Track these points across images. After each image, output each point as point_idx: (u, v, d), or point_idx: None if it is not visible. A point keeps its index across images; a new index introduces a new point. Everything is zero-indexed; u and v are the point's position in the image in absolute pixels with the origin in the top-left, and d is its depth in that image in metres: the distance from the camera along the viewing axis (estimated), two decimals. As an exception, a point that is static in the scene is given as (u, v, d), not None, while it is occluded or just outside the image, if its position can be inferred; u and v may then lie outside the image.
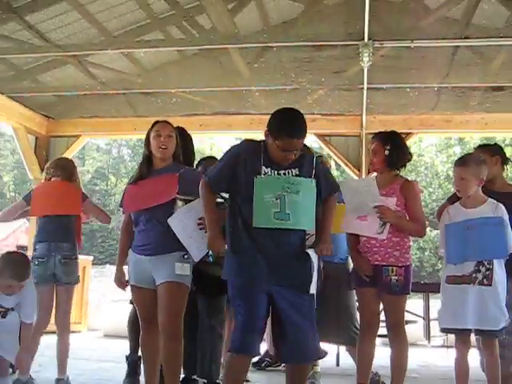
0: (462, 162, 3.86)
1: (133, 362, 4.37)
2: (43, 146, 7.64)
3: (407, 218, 3.89)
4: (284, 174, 3.28)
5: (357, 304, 4.47)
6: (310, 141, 7.76)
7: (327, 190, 3.45)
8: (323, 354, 3.51)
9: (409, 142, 7.72)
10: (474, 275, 3.71)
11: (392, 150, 3.93)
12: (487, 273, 3.70)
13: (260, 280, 3.24)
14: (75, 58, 6.04)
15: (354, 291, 4.49)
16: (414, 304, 7.93)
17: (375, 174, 4.03)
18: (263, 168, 3.24)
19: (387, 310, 3.89)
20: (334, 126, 7.26)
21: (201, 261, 3.84)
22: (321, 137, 7.30)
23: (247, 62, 6.13)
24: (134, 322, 4.26)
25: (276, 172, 3.26)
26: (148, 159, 3.74)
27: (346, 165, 7.31)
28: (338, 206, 3.81)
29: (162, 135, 3.67)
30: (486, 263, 3.71)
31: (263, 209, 3.20)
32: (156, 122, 3.79)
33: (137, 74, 6.48)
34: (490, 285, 3.69)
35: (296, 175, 3.30)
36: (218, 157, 3.87)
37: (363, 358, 3.92)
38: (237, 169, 3.28)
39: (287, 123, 3.21)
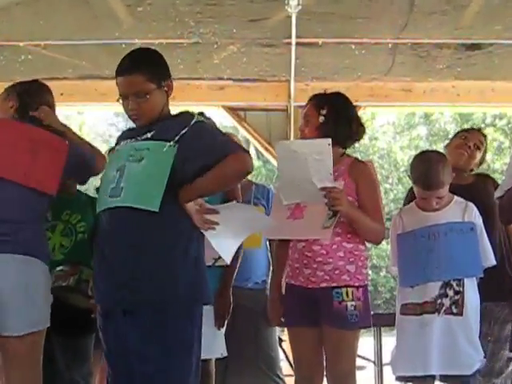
0: (434, 183, 3.93)
1: None
2: None
3: None
4: (136, 139, 3.39)
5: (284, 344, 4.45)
6: (219, 117, 7.81)
7: (206, 156, 3.27)
8: None
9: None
10: (439, 301, 3.86)
11: (330, 115, 3.83)
12: (457, 297, 3.85)
13: (103, 298, 3.33)
14: None
15: (276, 327, 4.48)
16: (361, 343, 8.00)
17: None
18: (122, 142, 3.46)
19: (335, 352, 3.77)
20: (251, 97, 7.34)
21: (58, 286, 3.89)
22: (232, 111, 7.40)
23: (127, 5, 5.98)
24: None
25: (130, 140, 3.42)
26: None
27: (267, 150, 7.34)
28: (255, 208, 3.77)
29: None
30: (454, 284, 3.87)
31: (104, 187, 3.35)
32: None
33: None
34: (461, 314, 3.84)
35: (147, 138, 3.36)
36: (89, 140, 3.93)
37: None
38: None
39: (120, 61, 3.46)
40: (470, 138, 4.53)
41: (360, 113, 7.62)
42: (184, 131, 3.29)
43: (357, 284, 3.74)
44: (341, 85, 7.08)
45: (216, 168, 3.22)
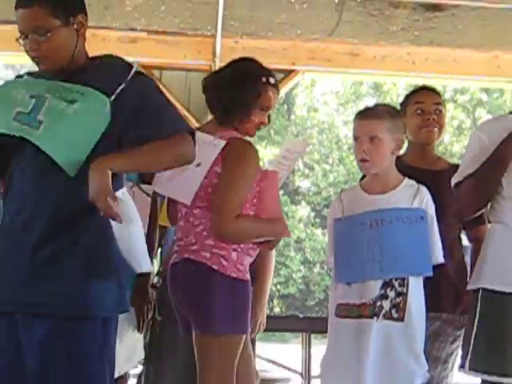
0: (373, 112, 4.04)
1: None
2: None
3: None
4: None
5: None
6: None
7: (149, 128, 3.22)
8: None
9: (291, 85, 7.97)
10: (378, 304, 3.84)
11: None
12: (398, 300, 3.86)
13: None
14: None
15: None
16: (289, 351, 8.05)
17: None
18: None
19: None
20: (169, 53, 7.37)
21: None
22: (145, 69, 7.17)
23: None
24: None
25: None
26: None
27: (185, 117, 7.27)
28: None
29: None
30: (396, 284, 3.86)
31: (4, 106, 3.18)
32: None
33: None
34: (402, 320, 3.84)
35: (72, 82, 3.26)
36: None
37: None
38: None
39: None
40: (428, 106, 4.54)
41: (298, 79, 7.77)
42: (122, 86, 3.18)
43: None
44: (277, 44, 7.27)
45: (157, 143, 3.16)
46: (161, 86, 7.27)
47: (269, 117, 4.05)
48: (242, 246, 3.84)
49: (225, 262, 3.80)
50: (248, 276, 3.88)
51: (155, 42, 7.28)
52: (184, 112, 7.31)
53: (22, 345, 3.13)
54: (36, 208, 3.13)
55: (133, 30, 7.06)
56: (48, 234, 3.12)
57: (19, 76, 3.47)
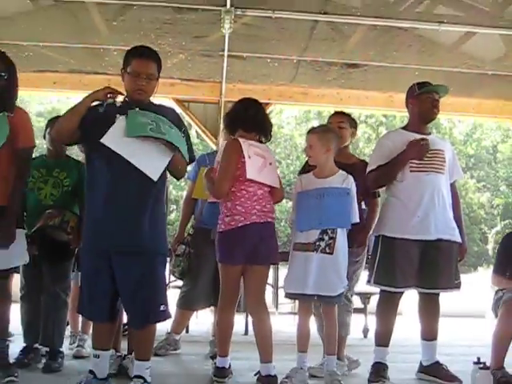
0: (312, 130, 4.05)
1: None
2: None
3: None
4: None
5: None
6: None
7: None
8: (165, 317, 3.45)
9: (267, 112, 7.96)
10: (317, 243, 3.83)
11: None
12: (330, 242, 3.85)
13: (100, 241, 3.27)
14: None
15: None
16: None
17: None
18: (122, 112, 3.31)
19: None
20: (193, 92, 7.30)
21: (46, 225, 3.88)
22: (179, 102, 7.29)
23: (106, 19, 5.89)
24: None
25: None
26: None
27: (204, 132, 7.36)
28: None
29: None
30: (329, 232, 3.85)
31: (136, 124, 3.24)
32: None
33: (-16, 22, 6.08)
34: (332, 253, 3.85)
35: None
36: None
37: (227, 329, 3.86)
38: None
39: (136, 48, 3.43)
40: (333, 124, 4.39)
41: (271, 108, 7.72)
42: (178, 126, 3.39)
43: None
44: (258, 87, 7.27)
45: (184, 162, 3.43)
46: (189, 113, 7.36)
47: None
48: None
49: None
50: None
51: (185, 85, 7.20)
52: (203, 128, 7.31)
53: (116, 272, 3.25)
54: None
55: (171, 78, 6.99)
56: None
57: (100, 105, 3.41)
